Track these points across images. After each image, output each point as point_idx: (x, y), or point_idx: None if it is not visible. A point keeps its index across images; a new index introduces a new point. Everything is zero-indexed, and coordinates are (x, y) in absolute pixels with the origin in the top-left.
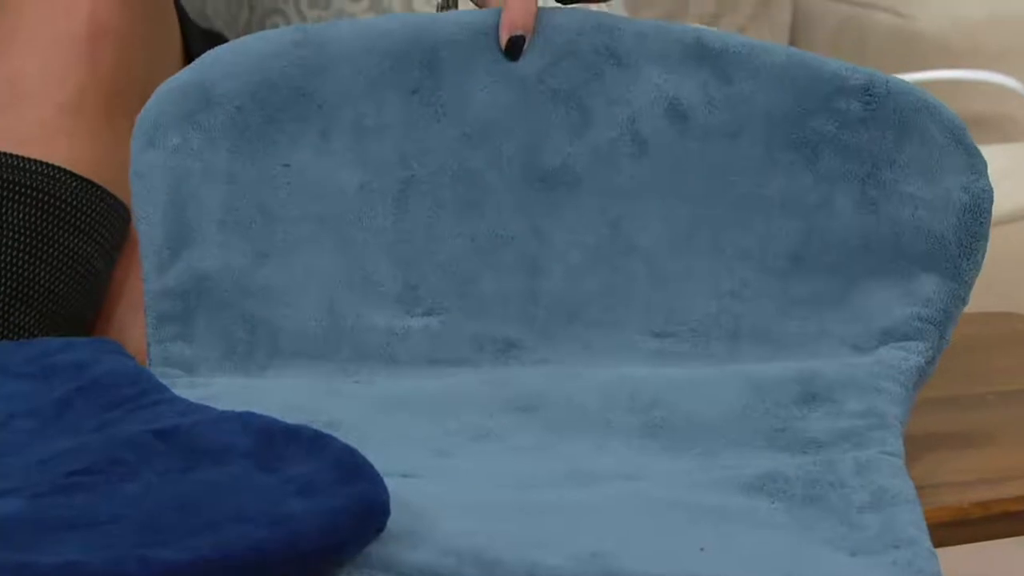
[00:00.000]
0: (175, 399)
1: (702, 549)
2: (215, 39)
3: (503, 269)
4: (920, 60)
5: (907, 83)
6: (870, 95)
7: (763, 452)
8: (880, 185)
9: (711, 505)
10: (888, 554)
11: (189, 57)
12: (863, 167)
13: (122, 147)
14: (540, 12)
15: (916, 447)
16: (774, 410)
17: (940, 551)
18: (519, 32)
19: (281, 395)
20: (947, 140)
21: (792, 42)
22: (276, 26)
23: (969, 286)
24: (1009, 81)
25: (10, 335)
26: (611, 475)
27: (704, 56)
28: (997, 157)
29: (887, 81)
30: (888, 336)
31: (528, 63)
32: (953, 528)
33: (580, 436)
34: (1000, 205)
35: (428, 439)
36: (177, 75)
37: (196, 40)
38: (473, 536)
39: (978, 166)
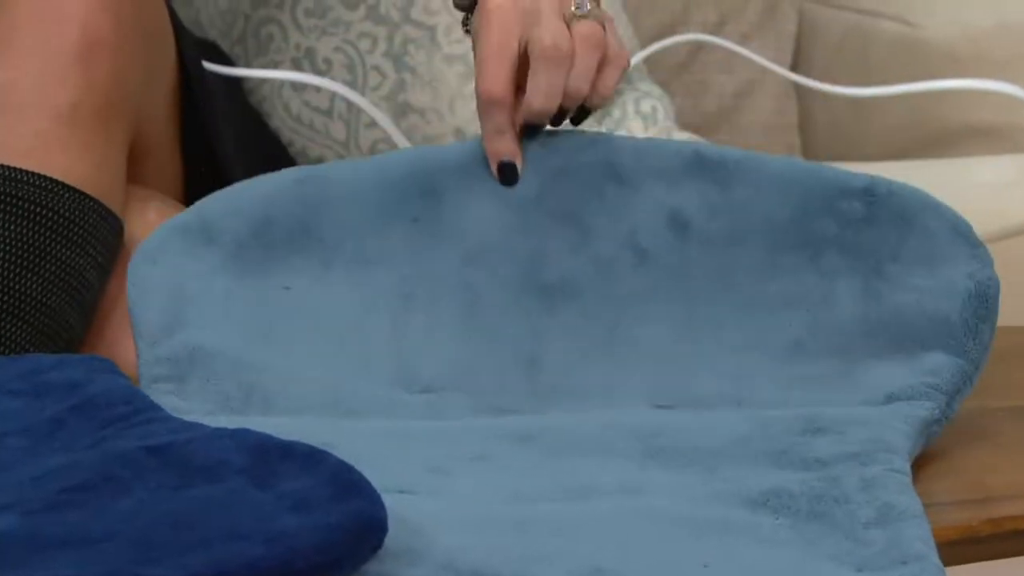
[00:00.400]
0: (168, 418)
1: (706, 565)
2: (209, 48)
3: (501, 364)
4: (926, 69)
5: (908, 184)
6: (872, 196)
7: (766, 469)
8: (883, 278)
9: (714, 520)
10: (895, 570)
11: (183, 67)
12: (866, 263)
13: (115, 159)
14: (537, 134)
15: (925, 461)
16: (778, 437)
17: (949, 570)
18: (505, 159)
19: (274, 427)
20: (950, 235)
21: (797, 50)
22: (271, 36)
23: (976, 367)
24: (1017, 91)
25: (3, 350)
26: (612, 489)
27: (703, 168)
28: (1006, 167)
29: (888, 183)
30: (894, 397)
31: (526, 185)
32: (962, 546)
33: (580, 457)
34: (1010, 215)
35: (425, 459)
36: (179, 215)
37: (190, 49)
38: (471, 552)
39: (983, 257)
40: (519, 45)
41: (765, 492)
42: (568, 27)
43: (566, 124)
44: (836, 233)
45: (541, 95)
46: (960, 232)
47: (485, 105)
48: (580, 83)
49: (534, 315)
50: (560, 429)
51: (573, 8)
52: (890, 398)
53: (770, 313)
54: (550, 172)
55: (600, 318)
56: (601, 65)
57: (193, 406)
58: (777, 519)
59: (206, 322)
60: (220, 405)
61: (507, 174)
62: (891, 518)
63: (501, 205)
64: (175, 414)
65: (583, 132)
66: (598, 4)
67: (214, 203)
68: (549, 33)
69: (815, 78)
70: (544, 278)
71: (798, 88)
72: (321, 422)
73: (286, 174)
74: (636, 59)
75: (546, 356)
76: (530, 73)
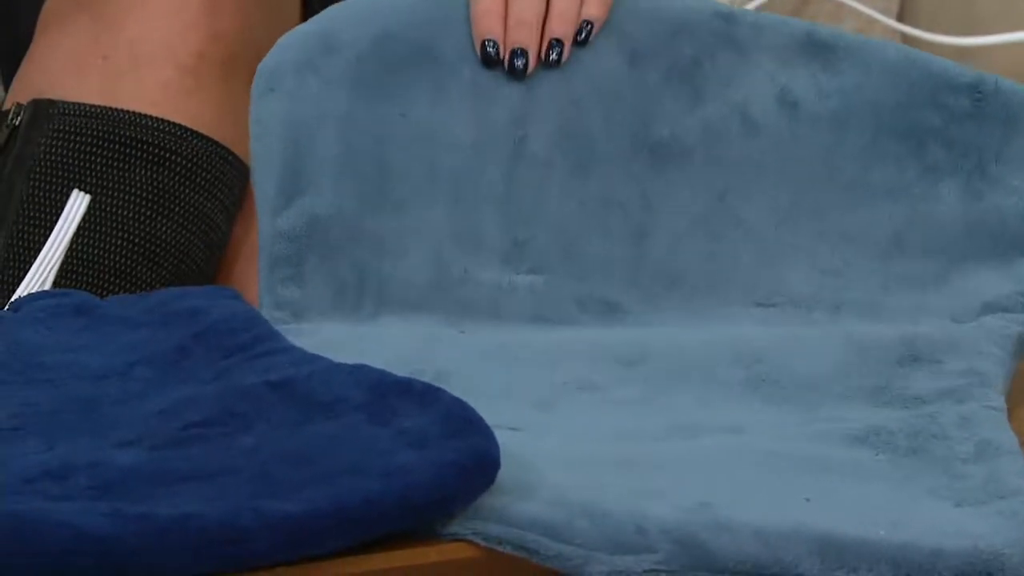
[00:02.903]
0: (289, 347)
1: (808, 500)
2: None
3: (609, 233)
4: None
5: (1016, 83)
6: (979, 92)
7: (865, 407)
8: (986, 178)
9: (815, 456)
10: (993, 504)
11: (307, 19)
12: (969, 160)
13: (240, 107)
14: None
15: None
16: (876, 368)
17: None
18: (490, 37)
19: (388, 344)
20: None
21: (904, 0)
22: None
23: None
24: None
25: (134, 290)
26: (714, 428)
27: (816, 49)
28: None
29: (996, 80)
30: (988, 308)
31: (641, 37)
32: None
33: (682, 389)
34: None
35: (532, 390)
36: (299, 27)
37: (314, 1)
38: (581, 489)
39: None
40: None
41: (865, 429)
42: None
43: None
44: (940, 126)
45: (518, 10)
46: None
47: (476, 18)
48: (563, 5)
49: (645, 177)
50: (664, 349)
51: None
52: (985, 308)
53: (872, 202)
54: (665, 28)
55: (708, 185)
56: None
57: (311, 298)
58: (876, 455)
59: (324, 175)
60: (336, 298)
61: (487, 57)
62: (988, 454)
63: (616, 53)
64: (293, 310)
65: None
66: None
67: (337, 12)
68: None
69: (921, 28)
70: (654, 134)
71: (905, 37)
72: (432, 333)
73: None
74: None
75: (655, 229)
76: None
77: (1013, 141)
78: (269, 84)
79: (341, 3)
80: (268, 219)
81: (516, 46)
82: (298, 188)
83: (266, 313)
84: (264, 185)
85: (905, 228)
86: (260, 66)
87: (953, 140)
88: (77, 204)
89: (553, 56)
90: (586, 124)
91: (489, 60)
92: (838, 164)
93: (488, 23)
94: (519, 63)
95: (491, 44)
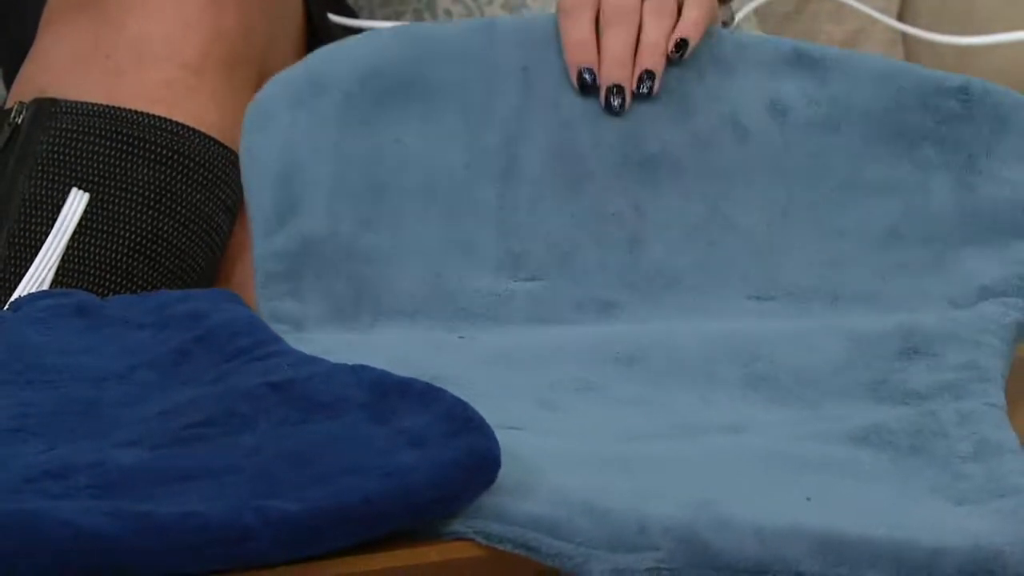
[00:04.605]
0: (289, 350)
1: (808, 499)
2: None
3: (604, 242)
4: None
5: (1003, 86)
6: (967, 94)
7: (865, 404)
8: (978, 172)
9: (815, 456)
10: (993, 502)
11: (309, 18)
12: (960, 156)
13: (243, 105)
14: None
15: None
16: (875, 363)
17: None
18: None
19: (386, 350)
20: None
21: (904, 0)
22: None
23: None
24: None
25: (134, 289)
26: (714, 427)
27: (802, 62)
28: None
29: (984, 83)
30: (987, 292)
31: None
32: None
33: (683, 388)
34: None
35: (532, 391)
36: (287, 69)
37: (316, 0)
38: (583, 488)
39: None
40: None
41: (865, 428)
42: None
43: None
44: (931, 127)
45: (612, 45)
46: None
47: (570, 48)
48: (654, 36)
49: (637, 189)
50: (661, 347)
51: None
52: (983, 292)
53: (866, 198)
54: None
55: (701, 194)
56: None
57: (308, 310)
58: (877, 454)
59: (317, 199)
60: (333, 310)
61: (583, 85)
62: (988, 453)
63: None
64: (292, 322)
65: None
66: None
67: (320, 56)
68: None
69: (921, 27)
70: (645, 149)
71: (905, 37)
72: (431, 337)
73: (393, 29)
74: (747, 9)
75: (648, 236)
76: (600, 29)
77: (1004, 139)
78: (260, 121)
79: (327, 46)
80: (262, 239)
81: (611, 83)
82: (291, 210)
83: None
84: (257, 208)
85: (899, 220)
86: (250, 106)
87: (944, 139)
88: (75, 203)
89: (644, 89)
90: (576, 143)
91: (585, 87)
92: (830, 165)
93: (583, 54)
94: (616, 102)
95: (588, 72)
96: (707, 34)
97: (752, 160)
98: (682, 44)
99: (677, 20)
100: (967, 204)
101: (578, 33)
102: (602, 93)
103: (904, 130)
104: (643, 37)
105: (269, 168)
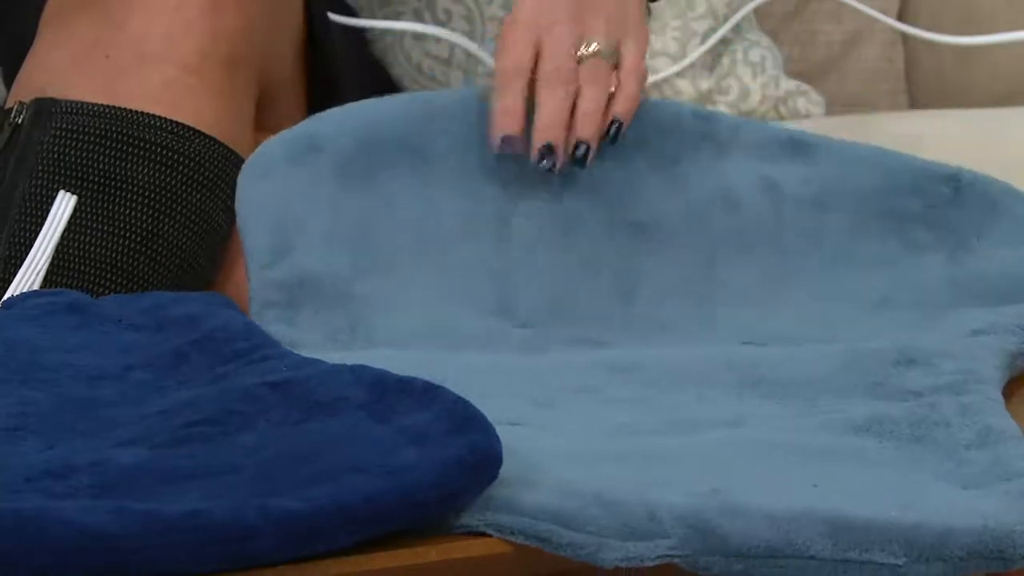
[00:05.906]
0: (287, 353)
1: (815, 486)
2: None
3: (597, 293)
4: None
5: (990, 176)
6: (957, 181)
7: (863, 400)
8: (969, 250)
9: (818, 445)
10: (999, 485)
11: (309, 18)
12: (951, 238)
13: (243, 106)
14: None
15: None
16: (873, 369)
17: None
18: (509, 132)
19: (382, 362)
20: None
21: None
22: None
23: None
24: None
25: (135, 288)
26: (714, 422)
27: (795, 147)
28: None
29: (972, 172)
30: (979, 333)
31: (627, 134)
32: None
33: (679, 389)
34: None
35: (529, 392)
36: (287, 129)
37: (316, 0)
38: (590, 479)
39: None
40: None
41: (867, 418)
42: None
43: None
44: (922, 211)
45: (548, 106)
46: None
47: (497, 115)
48: (591, 107)
49: (629, 250)
50: (656, 363)
51: (583, 48)
52: (976, 333)
53: (858, 270)
54: (649, 125)
55: (693, 257)
56: (618, 85)
57: (303, 337)
58: (881, 443)
59: (314, 242)
60: (328, 337)
61: (544, 159)
62: (991, 440)
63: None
64: (285, 344)
65: (682, 103)
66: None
67: (319, 119)
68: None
69: (921, 27)
70: (637, 216)
71: (905, 37)
72: (427, 355)
73: (394, 98)
74: (746, 9)
75: (641, 290)
76: (536, 91)
77: (994, 223)
78: (259, 172)
79: (324, 112)
80: (258, 271)
81: (545, 142)
82: (288, 251)
83: None
84: (252, 246)
85: (891, 290)
86: (248, 163)
87: (934, 222)
88: (63, 206)
89: (579, 154)
90: (572, 206)
91: (502, 151)
92: (822, 239)
93: (507, 123)
94: (547, 163)
95: (505, 140)
96: (704, 117)
97: (744, 229)
98: (616, 129)
99: (615, 80)
100: (959, 276)
101: (506, 101)
102: (534, 151)
103: (894, 210)
104: (580, 105)
105: (266, 213)
